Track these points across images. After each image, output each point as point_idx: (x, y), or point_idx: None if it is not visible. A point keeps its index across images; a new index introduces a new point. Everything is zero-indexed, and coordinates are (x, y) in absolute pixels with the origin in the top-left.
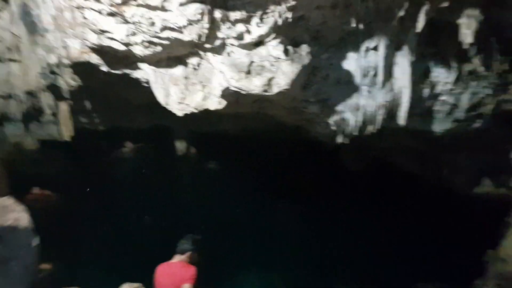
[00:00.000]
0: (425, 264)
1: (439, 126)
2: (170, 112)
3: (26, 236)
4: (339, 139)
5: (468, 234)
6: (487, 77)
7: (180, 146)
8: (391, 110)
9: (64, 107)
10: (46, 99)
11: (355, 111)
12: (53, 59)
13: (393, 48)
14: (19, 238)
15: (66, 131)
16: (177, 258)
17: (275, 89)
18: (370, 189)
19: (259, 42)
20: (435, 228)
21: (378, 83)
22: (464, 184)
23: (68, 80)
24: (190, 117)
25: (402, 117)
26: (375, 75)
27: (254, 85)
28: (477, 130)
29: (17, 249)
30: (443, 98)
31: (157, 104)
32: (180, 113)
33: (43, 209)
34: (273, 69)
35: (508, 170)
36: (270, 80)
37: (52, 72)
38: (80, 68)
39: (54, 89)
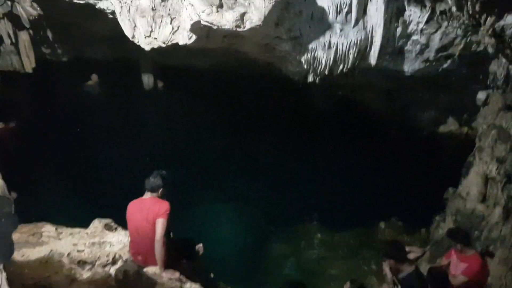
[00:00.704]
0: (388, 200)
1: (409, 66)
2: (137, 45)
3: (2, 204)
4: (310, 78)
5: (430, 171)
6: (459, 18)
7: (147, 80)
8: (362, 49)
9: (24, 37)
10: (5, 28)
11: (327, 49)
12: None
13: None
14: None
15: (27, 61)
16: (148, 195)
17: (247, 25)
18: (337, 127)
19: None
20: (399, 165)
21: (351, 21)
22: (429, 122)
23: (27, 9)
24: (157, 51)
25: (373, 56)
26: (348, 12)
27: (225, 20)
28: (445, 70)
29: None
30: (414, 37)
31: (123, 36)
32: (147, 47)
33: (8, 142)
34: (246, 4)
35: (473, 110)
36: (242, 15)
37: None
38: None
39: (12, 17)
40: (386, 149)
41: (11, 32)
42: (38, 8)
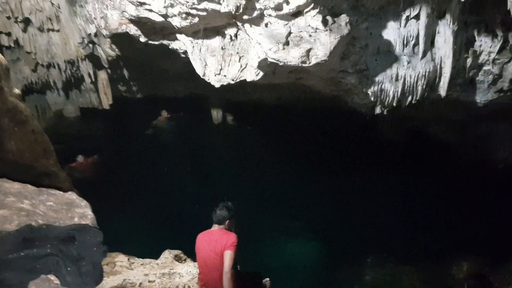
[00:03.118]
0: (462, 237)
1: (481, 97)
2: (207, 82)
3: (94, 234)
4: (377, 110)
5: (508, 207)
6: None
7: (216, 114)
8: (431, 81)
9: (103, 76)
10: (86, 68)
11: (394, 82)
12: (92, 30)
13: (435, 16)
14: (88, 237)
15: (105, 99)
16: (216, 227)
17: (313, 61)
18: (407, 160)
19: (298, 13)
20: (475, 198)
21: (418, 52)
22: (506, 153)
23: (106, 50)
24: (225, 87)
25: (442, 88)
26: (415, 44)
27: (291, 57)
28: None
29: (87, 248)
30: (486, 68)
31: (194, 73)
32: (217, 84)
33: (88, 175)
34: (311, 40)
35: None
36: (308, 51)
37: (91, 42)
38: (118, 38)
39: (93, 58)
40: (460, 181)
41: (91, 72)
42: (116, 50)
